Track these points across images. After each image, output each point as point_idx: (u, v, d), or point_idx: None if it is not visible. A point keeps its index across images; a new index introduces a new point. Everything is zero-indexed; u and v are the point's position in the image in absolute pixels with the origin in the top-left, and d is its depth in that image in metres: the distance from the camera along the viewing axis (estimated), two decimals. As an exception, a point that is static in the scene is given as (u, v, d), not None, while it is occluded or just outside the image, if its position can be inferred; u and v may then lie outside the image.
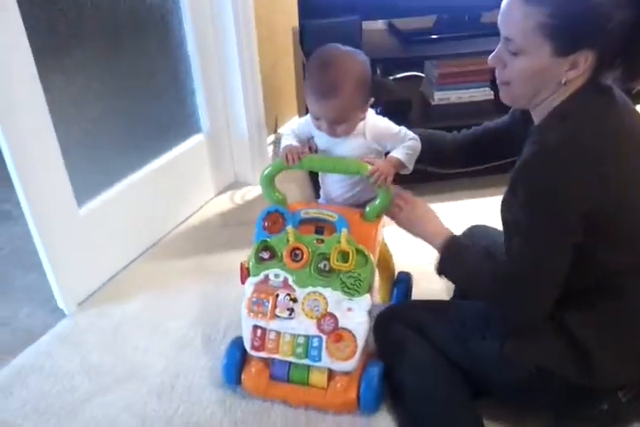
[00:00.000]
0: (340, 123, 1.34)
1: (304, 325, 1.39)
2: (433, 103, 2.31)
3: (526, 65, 1.12)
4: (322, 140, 1.42)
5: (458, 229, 1.67)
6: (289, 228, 1.40)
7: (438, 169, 1.59)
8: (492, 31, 2.12)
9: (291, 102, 2.56)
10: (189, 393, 1.52)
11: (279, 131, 2.55)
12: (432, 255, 1.37)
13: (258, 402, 1.47)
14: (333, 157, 1.42)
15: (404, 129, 1.42)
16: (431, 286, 1.68)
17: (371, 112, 1.41)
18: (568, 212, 1.12)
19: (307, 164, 1.40)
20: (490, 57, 1.19)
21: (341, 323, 1.37)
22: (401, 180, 1.42)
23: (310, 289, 1.39)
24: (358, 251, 1.36)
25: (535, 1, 1.07)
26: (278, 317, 1.40)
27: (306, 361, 1.40)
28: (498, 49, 1.17)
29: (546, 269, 1.17)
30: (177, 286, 1.90)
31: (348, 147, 1.39)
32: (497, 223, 1.63)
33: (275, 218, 1.43)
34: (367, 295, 1.37)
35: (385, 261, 1.60)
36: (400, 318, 1.45)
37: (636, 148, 1.18)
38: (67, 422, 1.46)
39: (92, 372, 1.60)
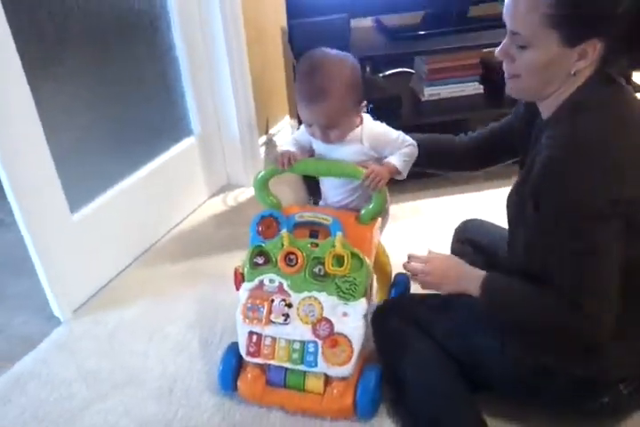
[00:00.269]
0: (332, 128, 1.33)
1: (299, 330, 1.38)
2: (423, 99, 2.31)
3: (535, 57, 1.11)
4: (319, 146, 1.41)
5: (452, 224, 1.68)
6: (283, 232, 1.39)
7: (448, 172, 1.59)
8: (480, 25, 2.19)
9: (282, 103, 2.56)
10: (188, 397, 1.52)
11: (270, 132, 2.55)
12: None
13: (256, 406, 1.47)
14: (328, 161, 1.41)
15: (402, 135, 1.40)
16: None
17: (368, 118, 1.41)
18: (607, 207, 1.08)
19: (301, 167, 1.39)
20: (497, 51, 1.16)
21: (337, 328, 1.36)
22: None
23: (305, 294, 1.38)
24: (353, 254, 1.35)
25: None
26: (273, 322, 1.39)
27: (302, 367, 1.39)
28: (504, 43, 1.15)
29: (604, 289, 1.13)
30: (172, 290, 1.90)
31: (345, 153, 1.38)
32: (490, 217, 1.65)
33: (269, 222, 1.42)
34: (363, 300, 1.36)
35: (382, 263, 1.59)
36: (399, 312, 1.44)
37: None
38: (66, 429, 1.47)
39: (89, 378, 1.60)
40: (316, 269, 1.37)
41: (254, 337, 1.41)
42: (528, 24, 1.08)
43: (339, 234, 1.35)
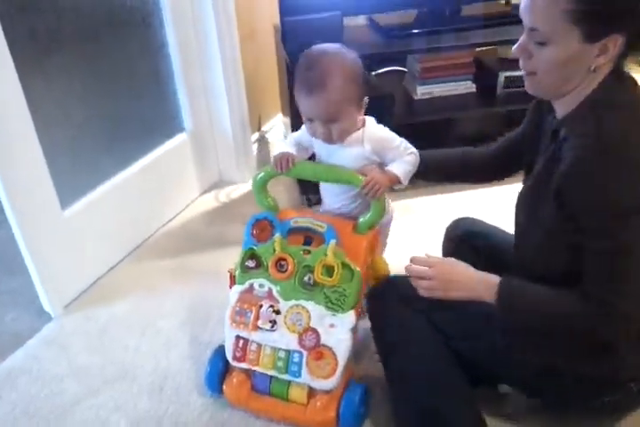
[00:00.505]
0: (333, 122, 1.29)
1: (286, 338, 1.35)
2: (416, 98, 2.31)
3: (554, 54, 1.08)
4: (320, 148, 1.39)
5: (444, 223, 1.68)
6: (276, 237, 1.36)
7: (468, 183, 1.58)
8: (473, 25, 2.19)
9: (274, 100, 2.56)
10: (178, 394, 1.52)
11: (263, 129, 2.55)
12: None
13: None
14: (326, 165, 1.37)
15: (404, 142, 1.37)
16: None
17: (371, 120, 1.38)
18: (635, 205, 1.07)
19: (298, 171, 1.36)
20: (514, 48, 1.13)
21: (323, 339, 1.32)
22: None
23: (294, 302, 1.34)
24: (344, 265, 1.31)
25: None
26: (260, 328, 1.37)
27: (286, 376, 1.36)
28: (522, 39, 1.12)
29: (636, 288, 1.10)
30: (163, 286, 1.90)
31: (346, 155, 1.35)
32: (482, 215, 1.66)
33: (263, 225, 1.39)
34: (351, 313, 1.32)
35: (379, 270, 1.49)
36: (398, 295, 1.35)
37: None
38: (57, 425, 1.47)
39: (80, 374, 1.60)
40: (306, 278, 1.34)
41: (241, 342, 1.40)
42: (547, 20, 1.05)
43: (332, 242, 1.31)
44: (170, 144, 2.19)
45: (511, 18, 2.20)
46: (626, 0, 1.03)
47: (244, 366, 1.40)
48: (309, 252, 1.34)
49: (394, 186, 1.35)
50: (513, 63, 2.26)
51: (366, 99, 1.34)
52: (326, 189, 1.46)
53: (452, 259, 1.28)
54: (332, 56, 1.29)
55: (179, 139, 2.22)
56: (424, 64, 2.26)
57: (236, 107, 2.28)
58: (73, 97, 1.79)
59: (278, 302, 1.36)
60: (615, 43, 1.05)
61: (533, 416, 1.40)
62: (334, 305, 1.32)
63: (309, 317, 1.33)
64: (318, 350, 1.32)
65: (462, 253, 1.56)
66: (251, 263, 1.39)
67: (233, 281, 1.43)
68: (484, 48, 2.38)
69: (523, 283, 1.19)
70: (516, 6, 2.24)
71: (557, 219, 1.14)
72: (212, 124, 2.32)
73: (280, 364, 1.36)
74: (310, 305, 1.33)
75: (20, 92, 1.57)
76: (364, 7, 2.21)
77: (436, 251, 1.55)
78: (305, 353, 1.33)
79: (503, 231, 1.54)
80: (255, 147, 2.48)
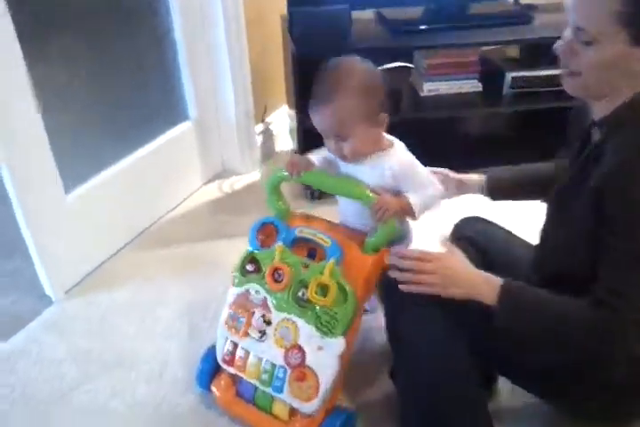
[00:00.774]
0: (344, 138, 1.23)
1: (273, 351, 1.30)
2: (422, 94, 2.31)
3: (600, 55, 1.05)
4: (341, 165, 1.33)
5: (451, 222, 1.68)
6: (278, 245, 1.31)
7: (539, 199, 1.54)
8: (480, 23, 2.19)
9: (280, 92, 2.55)
10: (175, 382, 1.53)
11: (267, 120, 2.55)
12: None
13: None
14: (337, 177, 1.32)
15: (431, 176, 1.31)
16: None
17: (400, 145, 1.31)
18: None
19: (309, 178, 1.31)
20: (557, 45, 1.10)
21: (308, 360, 1.25)
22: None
23: (285, 315, 1.29)
24: (340, 286, 1.23)
25: None
26: (250, 336, 1.34)
27: (269, 390, 1.31)
28: (568, 38, 1.09)
29: None
30: (165, 274, 1.90)
31: (361, 176, 1.28)
32: (488, 215, 1.65)
33: (269, 230, 1.36)
34: (341, 339, 1.23)
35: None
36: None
37: None
38: (55, 408, 1.47)
39: (79, 359, 1.61)
40: (300, 293, 1.28)
41: (231, 345, 1.38)
42: (594, 20, 1.02)
43: (331, 261, 1.24)
44: (174, 132, 2.18)
45: (519, 18, 2.22)
46: None
47: (230, 370, 1.38)
48: (308, 266, 1.29)
49: (405, 215, 1.28)
50: (520, 63, 2.31)
51: (386, 116, 1.26)
52: (341, 202, 1.40)
53: (454, 254, 1.24)
54: (344, 70, 1.24)
55: (183, 127, 2.22)
56: (430, 60, 2.25)
57: (241, 96, 2.27)
58: (78, 83, 1.79)
59: (271, 312, 1.31)
60: None
61: (536, 419, 1.40)
62: (324, 327, 1.25)
63: (298, 334, 1.27)
64: (302, 371, 1.26)
65: (467, 252, 1.55)
66: (250, 267, 1.36)
67: None
68: (491, 47, 2.38)
69: (526, 286, 1.16)
70: (525, 6, 2.29)
71: (590, 219, 1.11)
72: (216, 112, 2.31)
73: (265, 376, 1.31)
74: (300, 322, 1.27)
75: (26, 78, 1.57)
76: (373, 1, 2.20)
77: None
78: (289, 371, 1.28)
79: (509, 232, 1.54)
80: (260, 138, 2.48)
